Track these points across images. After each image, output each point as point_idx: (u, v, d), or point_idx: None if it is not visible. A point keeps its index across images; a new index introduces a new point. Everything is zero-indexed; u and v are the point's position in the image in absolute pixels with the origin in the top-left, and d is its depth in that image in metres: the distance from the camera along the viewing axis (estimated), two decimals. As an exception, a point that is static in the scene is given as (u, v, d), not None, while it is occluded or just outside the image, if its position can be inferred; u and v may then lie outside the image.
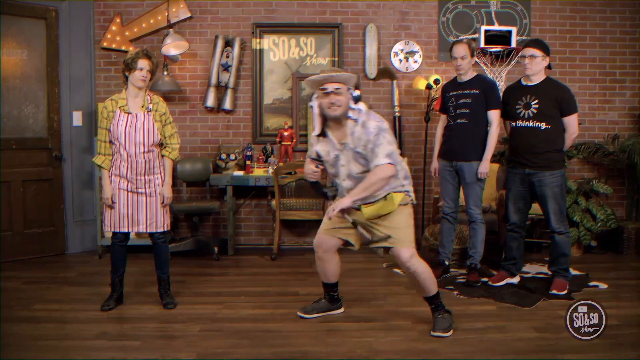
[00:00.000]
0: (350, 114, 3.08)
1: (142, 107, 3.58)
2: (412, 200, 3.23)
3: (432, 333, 3.18)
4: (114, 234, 3.64)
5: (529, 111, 3.91)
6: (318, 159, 3.25)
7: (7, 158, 4.81)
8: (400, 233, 3.12)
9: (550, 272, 4.10)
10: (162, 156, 3.67)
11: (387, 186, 3.07)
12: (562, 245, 3.96)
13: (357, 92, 3.12)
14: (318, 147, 3.22)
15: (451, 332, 3.19)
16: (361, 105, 3.11)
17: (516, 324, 3.38)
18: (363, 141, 3.03)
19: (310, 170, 3.22)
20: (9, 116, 4.84)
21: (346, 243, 3.34)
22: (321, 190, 3.25)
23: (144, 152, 3.55)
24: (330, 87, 3.02)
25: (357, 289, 4.04)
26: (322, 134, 3.18)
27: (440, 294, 3.27)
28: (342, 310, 3.60)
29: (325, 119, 3.14)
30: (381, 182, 2.99)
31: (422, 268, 3.14)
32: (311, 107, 3.24)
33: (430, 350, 3.03)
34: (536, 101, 3.90)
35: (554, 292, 3.89)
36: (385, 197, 3.10)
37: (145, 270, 4.33)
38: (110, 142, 3.57)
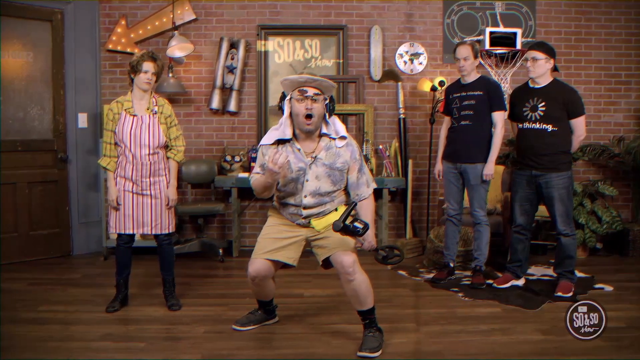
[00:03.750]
0: (325, 129, 2.94)
1: (148, 109, 3.58)
2: None
3: (359, 353, 2.91)
4: (119, 235, 3.65)
5: (536, 113, 3.90)
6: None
7: (13, 160, 4.82)
8: (343, 240, 2.95)
9: (555, 275, 4.09)
10: (168, 158, 3.68)
11: (339, 200, 3.03)
12: (568, 247, 3.94)
13: (332, 104, 2.94)
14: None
15: (379, 353, 2.93)
16: (336, 120, 2.99)
17: (521, 326, 3.37)
18: (342, 159, 2.95)
19: (276, 160, 2.70)
20: (15, 118, 4.86)
21: (284, 265, 3.09)
22: (350, 228, 2.74)
23: (149, 154, 3.55)
24: (310, 91, 2.83)
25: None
26: (281, 141, 2.93)
27: (376, 309, 3.04)
28: (276, 319, 3.44)
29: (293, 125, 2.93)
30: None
31: (364, 277, 2.92)
32: (280, 108, 2.94)
33: (434, 352, 3.02)
34: (543, 103, 3.88)
35: (560, 294, 3.88)
36: (336, 209, 3.02)
37: (150, 272, 4.34)
38: (116, 144, 3.58)
